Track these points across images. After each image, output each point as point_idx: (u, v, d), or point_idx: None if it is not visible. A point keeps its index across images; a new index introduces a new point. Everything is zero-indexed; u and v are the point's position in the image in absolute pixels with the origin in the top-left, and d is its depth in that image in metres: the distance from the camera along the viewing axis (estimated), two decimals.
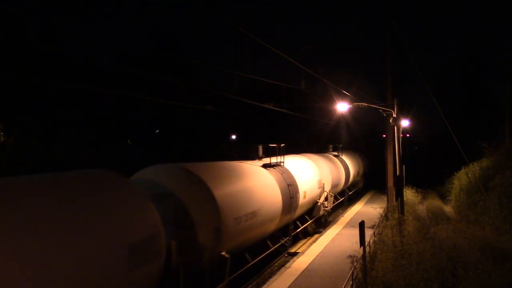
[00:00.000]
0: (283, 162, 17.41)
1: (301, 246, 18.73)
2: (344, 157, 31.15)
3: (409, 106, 36.73)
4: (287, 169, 17.31)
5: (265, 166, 15.84)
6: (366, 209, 27.86)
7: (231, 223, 11.23)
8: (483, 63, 50.16)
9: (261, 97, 24.57)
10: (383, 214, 21.36)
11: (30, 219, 5.83)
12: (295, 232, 17.91)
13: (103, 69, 32.44)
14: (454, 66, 51.44)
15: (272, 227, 14.86)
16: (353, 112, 36.64)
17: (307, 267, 14.50)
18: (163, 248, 8.31)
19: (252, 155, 16.93)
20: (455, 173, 28.97)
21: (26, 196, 6.19)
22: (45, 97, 28.99)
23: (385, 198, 22.52)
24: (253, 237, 13.22)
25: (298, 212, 18.01)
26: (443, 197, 29.84)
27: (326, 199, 21.55)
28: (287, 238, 16.77)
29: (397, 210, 18.14)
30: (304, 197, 18.16)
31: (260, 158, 16.93)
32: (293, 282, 12.93)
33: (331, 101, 24.79)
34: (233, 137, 53.13)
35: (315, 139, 46.65)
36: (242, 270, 12.55)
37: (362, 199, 33.48)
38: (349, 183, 30.45)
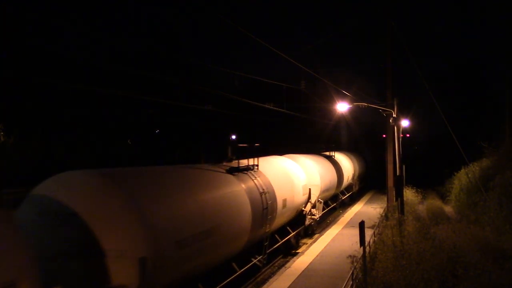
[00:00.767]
0: (257, 165, 14.53)
1: (301, 246, 18.72)
2: (338, 158, 28.92)
3: (409, 106, 36.74)
4: (263, 174, 14.48)
5: (231, 171, 12.76)
6: (366, 209, 27.86)
7: (170, 249, 8.37)
8: (483, 63, 50.28)
9: (261, 97, 24.58)
10: (383, 214, 21.37)
11: None
12: (271, 249, 14.79)
13: (103, 69, 32.43)
14: (454, 66, 51.50)
15: (238, 246, 12.03)
16: (353, 112, 36.64)
17: (307, 267, 14.51)
18: None
19: (222, 158, 14.42)
20: (455, 173, 28.98)
21: None
22: (45, 97, 28.99)
23: (385, 198, 22.52)
24: (208, 263, 10.42)
25: (277, 223, 15.12)
26: (443, 197, 29.84)
27: (314, 206, 19.56)
28: (261, 256, 13.82)
29: (397, 210, 18.14)
30: (284, 205, 15.41)
31: (229, 161, 14.13)
32: (293, 282, 12.94)
33: (331, 101, 24.76)
34: (233, 137, 53.12)
35: (315, 139, 46.67)
36: None
37: (362, 199, 33.48)
38: (342, 186, 28.13)
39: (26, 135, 26.80)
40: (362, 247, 10.66)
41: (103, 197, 7.91)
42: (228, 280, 11.40)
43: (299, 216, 18.37)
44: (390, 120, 20.12)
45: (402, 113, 25.66)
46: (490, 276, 10.74)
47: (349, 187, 31.32)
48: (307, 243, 19.00)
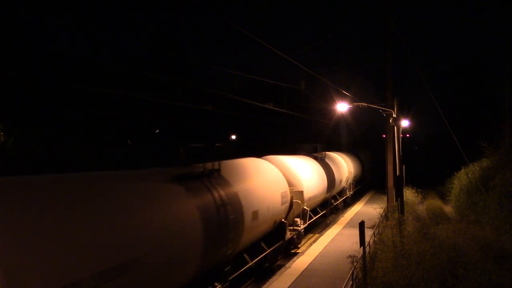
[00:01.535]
0: (218, 170, 11.64)
1: (301, 246, 18.73)
2: (329, 159, 25.96)
3: (409, 106, 36.78)
4: (226, 181, 11.69)
5: (178, 179, 9.76)
6: (366, 209, 27.87)
7: None
8: (483, 63, 50.35)
9: (261, 97, 24.59)
10: (383, 214, 21.38)
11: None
12: (235, 275, 11.84)
13: (103, 69, 32.44)
14: (454, 66, 51.55)
15: (180, 278, 9.13)
16: (353, 112, 36.66)
17: (307, 267, 14.51)
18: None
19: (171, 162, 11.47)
20: (455, 173, 28.99)
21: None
22: (45, 97, 29.00)
23: (385, 198, 22.53)
24: None
25: (245, 241, 12.31)
26: (443, 197, 29.84)
27: (298, 215, 17.52)
28: (221, 285, 10.95)
29: (397, 210, 18.14)
30: (255, 218, 12.68)
31: (183, 165, 11.11)
32: (293, 282, 12.94)
33: (331, 101, 24.72)
34: (233, 137, 53.18)
35: (315, 139, 46.68)
36: None
37: (362, 199, 33.47)
38: (334, 191, 25.25)
39: (26, 135, 26.79)
40: (362, 247, 10.66)
41: None
42: None
43: (277, 229, 15.59)
44: (390, 120, 20.13)
45: (402, 113, 25.67)
46: (490, 276, 10.74)
47: (342, 191, 28.80)
48: (307, 243, 19.01)
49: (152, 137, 42.46)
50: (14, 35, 28.72)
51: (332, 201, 25.66)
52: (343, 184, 28.28)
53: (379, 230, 17.96)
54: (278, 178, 15.66)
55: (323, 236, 19.71)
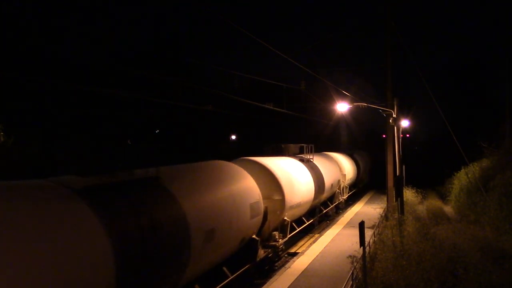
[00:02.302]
0: (155, 179, 8.92)
1: (301, 246, 18.72)
2: (319, 161, 22.79)
3: (409, 106, 36.73)
4: (168, 192, 8.95)
5: (83, 193, 7.01)
6: (366, 209, 27.86)
7: None
8: (483, 63, 50.39)
9: (261, 97, 24.60)
10: (383, 214, 21.38)
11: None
12: None
13: (103, 69, 32.45)
14: (454, 66, 51.57)
15: None
16: (353, 113, 36.63)
17: (307, 267, 14.51)
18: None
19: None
20: (455, 173, 28.99)
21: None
22: (45, 97, 29.01)
23: (385, 198, 22.53)
24: None
25: (195, 269, 9.54)
26: (443, 197, 29.84)
27: (276, 228, 15.37)
28: None
29: (397, 210, 18.15)
30: (210, 239, 9.91)
31: (101, 173, 8.05)
32: (293, 282, 12.93)
33: (331, 101, 24.68)
34: (233, 137, 53.22)
35: (315, 139, 46.70)
36: None
37: (362, 199, 33.47)
38: (323, 197, 22.39)
39: (26, 135, 26.80)
40: (362, 247, 10.66)
41: None
42: None
43: (247, 248, 12.92)
44: (390, 120, 20.13)
45: (402, 113, 25.68)
46: (490, 276, 10.74)
47: (334, 196, 25.97)
48: (307, 243, 19.01)
49: (152, 137, 42.49)
50: (15, 35, 28.74)
51: (322, 207, 23.08)
52: (335, 188, 25.47)
53: (379, 230, 17.96)
54: (247, 185, 12.75)
55: (323, 236, 19.71)
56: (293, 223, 17.51)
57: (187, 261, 8.97)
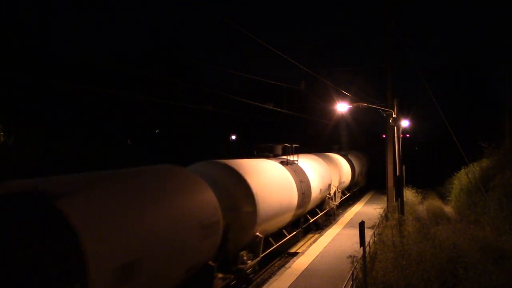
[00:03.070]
0: (41, 194, 6.34)
1: (301, 246, 18.72)
2: (305, 163, 19.88)
3: (409, 106, 36.71)
4: (58, 216, 6.05)
5: None
6: (366, 209, 27.87)
7: None
8: (483, 63, 50.35)
9: (261, 97, 24.61)
10: (383, 214, 21.39)
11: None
12: None
13: (103, 69, 32.45)
14: (454, 66, 51.56)
15: None
16: (353, 113, 36.63)
17: (307, 267, 14.51)
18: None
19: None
20: (455, 173, 28.98)
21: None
22: (45, 97, 29.02)
23: (385, 198, 22.53)
24: None
25: None
26: (443, 197, 29.85)
27: (244, 247, 12.51)
28: None
29: (397, 210, 18.15)
30: (127, 278, 6.96)
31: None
32: (293, 282, 12.93)
33: (331, 101, 24.65)
34: (233, 137, 53.22)
35: (315, 139, 46.69)
36: None
37: (362, 199, 33.47)
38: (310, 205, 19.22)
39: (26, 135, 26.82)
40: (362, 247, 10.66)
41: None
42: None
43: (199, 279, 9.79)
44: (390, 120, 20.13)
45: (402, 113, 25.68)
46: (490, 276, 10.74)
47: (324, 203, 22.89)
48: (307, 243, 19.01)
49: (152, 137, 42.50)
50: (15, 35, 28.73)
51: (309, 216, 20.11)
52: (325, 193, 22.28)
53: (379, 230, 17.97)
54: (199, 197, 9.81)
55: (323, 236, 19.71)
56: (271, 238, 14.76)
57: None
